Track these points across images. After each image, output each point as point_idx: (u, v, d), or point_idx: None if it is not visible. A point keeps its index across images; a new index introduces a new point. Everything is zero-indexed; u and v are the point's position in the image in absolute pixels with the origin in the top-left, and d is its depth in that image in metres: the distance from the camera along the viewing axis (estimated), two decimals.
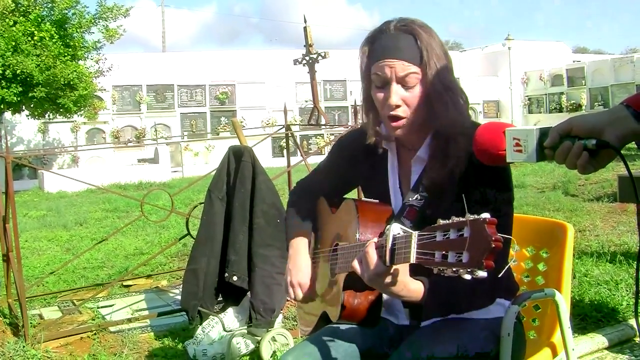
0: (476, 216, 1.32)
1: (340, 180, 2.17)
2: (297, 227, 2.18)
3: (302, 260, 2.10)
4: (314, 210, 2.22)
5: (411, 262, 1.46)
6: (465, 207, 1.40)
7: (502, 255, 1.32)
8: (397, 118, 1.85)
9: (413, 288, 1.69)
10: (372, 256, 1.62)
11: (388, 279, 1.63)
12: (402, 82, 1.81)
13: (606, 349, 3.69)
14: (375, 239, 1.66)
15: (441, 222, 1.39)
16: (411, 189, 1.92)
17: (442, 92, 1.81)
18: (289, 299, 4.49)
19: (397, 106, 1.83)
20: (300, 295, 2.08)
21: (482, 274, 1.28)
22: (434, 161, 1.85)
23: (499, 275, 1.36)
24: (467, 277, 1.30)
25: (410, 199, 1.91)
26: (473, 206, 1.78)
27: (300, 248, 2.13)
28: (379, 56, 1.84)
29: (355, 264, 1.67)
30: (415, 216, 1.89)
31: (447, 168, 1.82)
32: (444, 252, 1.35)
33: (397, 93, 1.82)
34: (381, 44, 1.84)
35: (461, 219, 1.34)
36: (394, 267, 1.61)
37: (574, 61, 26.25)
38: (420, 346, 1.83)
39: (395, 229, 1.57)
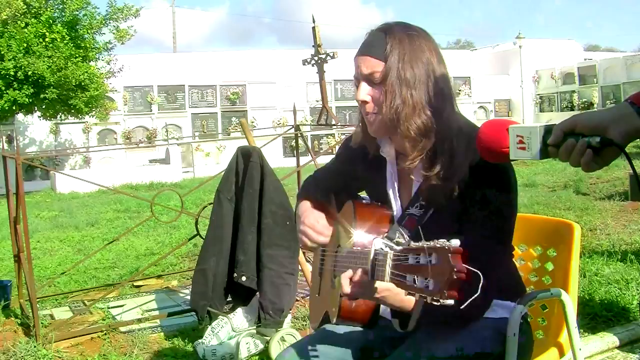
0: (444, 243, 1.30)
1: (344, 182, 2.16)
2: (305, 194, 2.22)
3: (309, 213, 2.13)
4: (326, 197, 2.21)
5: (386, 280, 1.46)
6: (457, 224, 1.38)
7: (468, 285, 1.31)
8: (368, 114, 1.86)
9: (405, 298, 1.67)
10: (357, 272, 1.65)
11: (372, 292, 1.65)
12: (368, 78, 1.83)
13: (617, 348, 3.67)
14: (364, 251, 1.68)
15: (413, 245, 1.38)
16: (411, 198, 1.91)
17: (407, 90, 1.78)
18: (298, 298, 4.51)
19: (364, 102, 1.84)
20: (310, 238, 2.08)
21: (449, 302, 1.27)
22: (430, 175, 1.81)
23: (462, 306, 1.33)
24: (435, 303, 1.29)
25: (411, 208, 1.90)
26: (474, 209, 1.78)
27: (307, 206, 2.17)
28: (355, 55, 1.87)
29: (351, 272, 1.67)
30: (414, 226, 1.88)
31: (444, 183, 1.79)
32: (414, 276, 1.34)
33: (363, 89, 1.84)
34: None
35: (430, 244, 1.33)
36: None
37: (585, 59, 26.15)
38: (420, 346, 1.83)
39: (378, 243, 1.57)
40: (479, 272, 1.30)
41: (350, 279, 1.66)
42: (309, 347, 1.97)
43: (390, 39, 1.80)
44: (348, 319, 1.87)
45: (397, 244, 1.52)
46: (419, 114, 1.79)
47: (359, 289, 1.65)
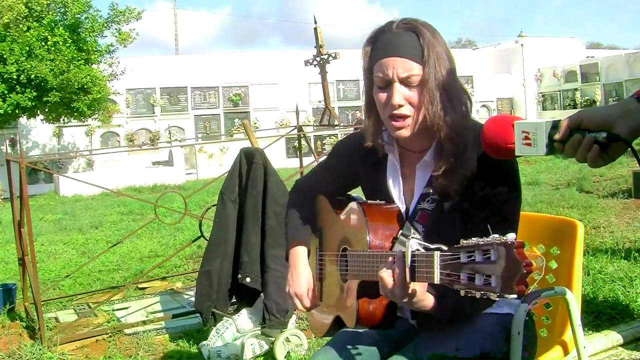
0: (502, 238, 1.29)
1: (339, 182, 2.15)
2: (296, 235, 2.18)
3: (301, 271, 2.11)
4: (313, 211, 2.21)
5: (435, 282, 1.44)
6: (481, 218, 1.36)
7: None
8: (401, 117, 1.80)
9: (427, 302, 1.69)
10: (397, 270, 1.61)
11: (409, 295, 1.63)
12: (405, 81, 1.78)
13: (621, 346, 3.67)
14: (394, 253, 1.65)
15: (464, 242, 1.36)
16: (422, 193, 1.89)
17: (442, 92, 1.77)
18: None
19: (401, 105, 1.79)
20: (299, 306, 2.10)
21: (513, 296, 1.26)
22: (443, 166, 1.81)
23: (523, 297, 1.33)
24: (496, 299, 1.29)
25: (422, 203, 1.88)
26: (484, 203, 1.78)
27: (299, 258, 2.14)
28: (381, 55, 1.80)
29: (385, 276, 1.63)
30: (427, 220, 1.87)
31: (458, 173, 1.79)
32: (469, 273, 1.33)
33: (399, 92, 1.78)
34: (383, 43, 1.81)
35: (486, 240, 1.31)
36: (415, 283, 1.60)
37: (587, 57, 26.10)
38: (418, 347, 1.83)
39: (414, 244, 1.54)
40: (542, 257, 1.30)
41: (391, 278, 1.63)
42: (339, 352, 1.96)
43: (424, 41, 1.77)
44: (366, 323, 1.86)
45: (426, 248, 1.51)
46: (454, 115, 1.79)
47: (396, 289, 1.62)
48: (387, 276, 1.62)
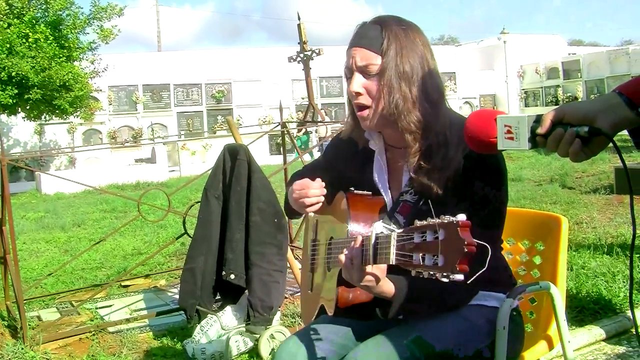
0: (450, 218, 1.30)
1: (333, 177, 2.14)
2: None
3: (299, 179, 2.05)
4: None
5: (391, 263, 1.45)
6: (455, 205, 1.37)
7: (477, 260, 1.30)
8: (361, 107, 1.85)
9: (386, 289, 1.71)
10: (355, 254, 1.64)
11: (366, 278, 1.65)
12: (363, 70, 1.82)
13: (603, 340, 3.69)
14: (361, 237, 1.66)
15: (418, 223, 1.38)
16: (404, 185, 1.90)
17: (404, 83, 1.79)
18: (287, 296, 4.50)
19: (358, 94, 1.83)
20: (297, 192, 1.99)
21: (459, 277, 1.27)
22: (428, 164, 1.81)
23: (469, 281, 1.34)
24: (445, 280, 1.29)
25: (405, 195, 1.89)
26: (468, 199, 1.78)
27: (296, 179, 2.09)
28: (348, 47, 1.87)
29: (342, 257, 1.68)
30: (409, 212, 1.87)
31: (438, 169, 1.80)
32: (421, 254, 1.34)
33: (357, 81, 1.83)
34: (351, 37, 1.87)
35: (436, 220, 1.33)
36: (373, 267, 1.61)
37: (569, 54, 26.30)
38: (408, 332, 1.83)
39: (378, 227, 1.56)
40: (487, 245, 1.30)
41: (349, 261, 1.66)
42: (311, 335, 1.96)
43: (387, 32, 1.80)
44: (345, 310, 1.87)
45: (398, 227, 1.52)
46: (418, 107, 1.80)
47: (354, 272, 1.65)
48: (343, 258, 1.67)
